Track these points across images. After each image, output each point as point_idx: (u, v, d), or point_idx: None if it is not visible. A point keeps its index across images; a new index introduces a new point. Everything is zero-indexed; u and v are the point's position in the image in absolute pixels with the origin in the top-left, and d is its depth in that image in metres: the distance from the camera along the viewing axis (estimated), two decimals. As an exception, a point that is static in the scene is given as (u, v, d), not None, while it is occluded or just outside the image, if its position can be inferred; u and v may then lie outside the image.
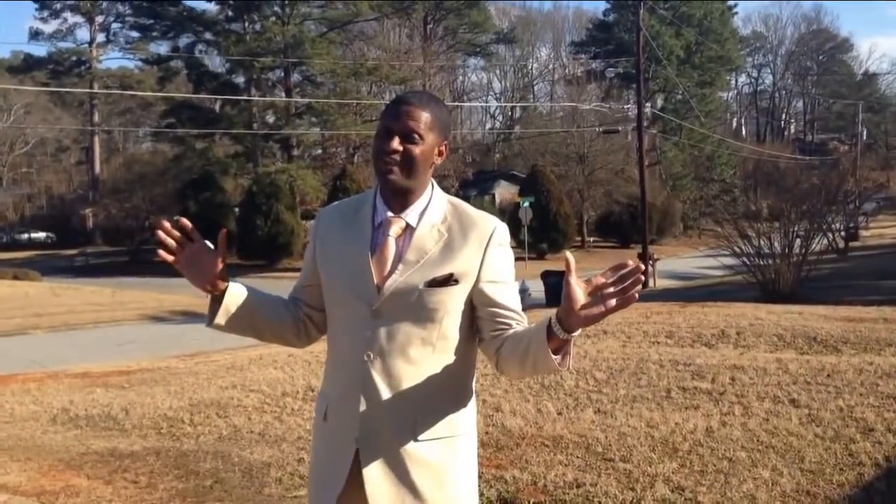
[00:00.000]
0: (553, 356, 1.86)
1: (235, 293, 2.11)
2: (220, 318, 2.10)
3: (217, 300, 2.10)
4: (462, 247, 2.01)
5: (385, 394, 1.98)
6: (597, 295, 1.84)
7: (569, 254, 1.88)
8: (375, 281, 1.99)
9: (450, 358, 2.03)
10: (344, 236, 2.08)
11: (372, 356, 1.98)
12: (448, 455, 2.02)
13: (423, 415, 1.99)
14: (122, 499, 4.59)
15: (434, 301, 1.98)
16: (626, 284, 1.84)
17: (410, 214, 2.04)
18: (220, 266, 2.07)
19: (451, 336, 2.02)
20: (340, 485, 2.01)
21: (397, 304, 1.98)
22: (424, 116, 2.01)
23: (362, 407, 1.98)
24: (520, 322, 2.04)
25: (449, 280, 1.99)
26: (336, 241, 2.09)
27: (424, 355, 1.99)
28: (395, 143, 1.98)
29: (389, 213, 2.04)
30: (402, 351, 1.98)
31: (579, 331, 1.87)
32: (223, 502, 4.49)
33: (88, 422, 6.86)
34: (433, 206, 2.06)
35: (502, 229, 2.07)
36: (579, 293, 1.84)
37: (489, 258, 2.02)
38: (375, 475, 1.97)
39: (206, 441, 5.90)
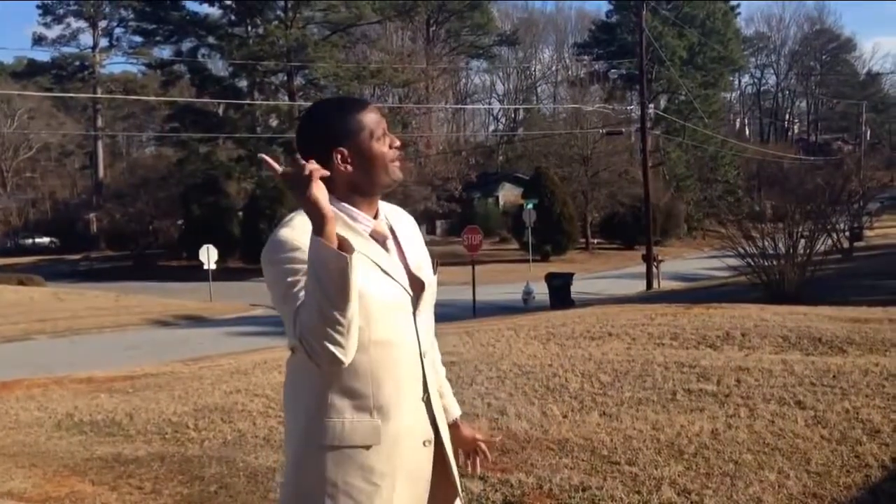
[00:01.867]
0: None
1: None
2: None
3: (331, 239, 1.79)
4: (415, 235, 2.17)
5: (435, 384, 2.14)
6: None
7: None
8: (408, 285, 2.05)
9: None
10: (360, 252, 1.90)
11: (425, 354, 2.07)
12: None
13: (445, 392, 2.27)
14: (126, 505, 4.58)
15: (436, 288, 2.16)
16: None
17: (383, 217, 2.12)
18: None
19: None
20: (426, 493, 2.07)
21: (427, 300, 2.09)
22: None
23: (435, 402, 2.10)
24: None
25: (437, 264, 2.17)
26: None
27: (433, 339, 2.19)
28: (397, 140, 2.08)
29: (373, 220, 2.07)
30: (432, 341, 2.15)
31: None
32: (228, 508, 4.48)
33: (93, 427, 6.85)
34: (382, 207, 2.14)
35: None
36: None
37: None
38: (452, 459, 2.15)
39: (210, 446, 5.89)
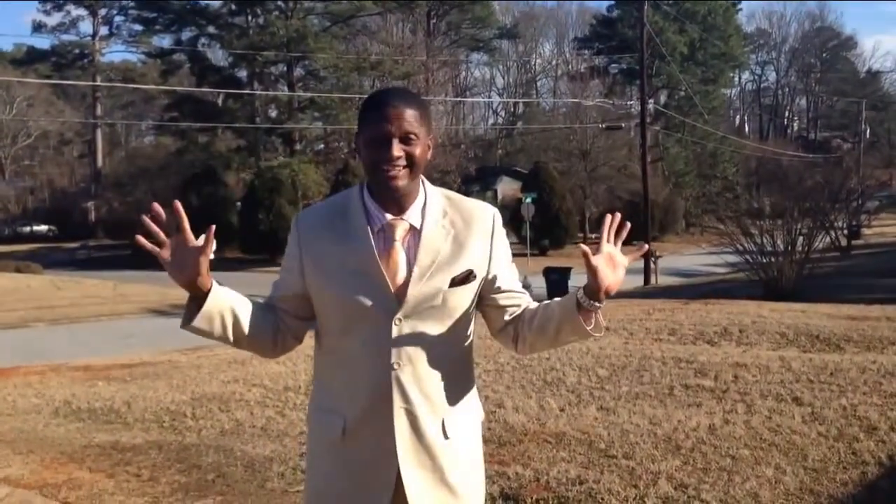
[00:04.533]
0: (585, 325, 2.00)
1: (220, 297, 1.95)
2: (200, 322, 1.94)
3: (197, 300, 1.94)
4: (470, 240, 2.01)
5: (417, 399, 1.96)
6: (610, 265, 1.98)
7: (583, 245, 2.00)
8: (392, 289, 1.93)
9: (465, 350, 2.07)
10: (341, 245, 1.96)
11: (401, 364, 1.94)
12: (470, 439, 2.08)
13: (451, 412, 2.02)
14: (124, 492, 4.59)
15: (455, 300, 1.98)
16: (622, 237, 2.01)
17: (411, 215, 1.98)
18: (206, 263, 1.91)
19: (466, 330, 2.05)
20: (388, 499, 1.98)
21: (420, 309, 1.95)
22: (415, 115, 1.93)
23: (398, 416, 1.95)
24: (524, 300, 2.12)
25: (469, 276, 1.99)
26: (333, 250, 1.97)
27: (447, 354, 2.01)
28: (397, 150, 1.90)
29: (389, 216, 1.97)
30: (428, 354, 1.97)
31: (605, 301, 2.02)
32: (225, 496, 4.49)
33: (90, 415, 6.86)
34: (431, 203, 2.01)
35: (498, 214, 2.12)
36: (603, 271, 1.96)
37: (496, 246, 2.06)
38: (416, 481, 1.97)
39: (208, 435, 5.90)
